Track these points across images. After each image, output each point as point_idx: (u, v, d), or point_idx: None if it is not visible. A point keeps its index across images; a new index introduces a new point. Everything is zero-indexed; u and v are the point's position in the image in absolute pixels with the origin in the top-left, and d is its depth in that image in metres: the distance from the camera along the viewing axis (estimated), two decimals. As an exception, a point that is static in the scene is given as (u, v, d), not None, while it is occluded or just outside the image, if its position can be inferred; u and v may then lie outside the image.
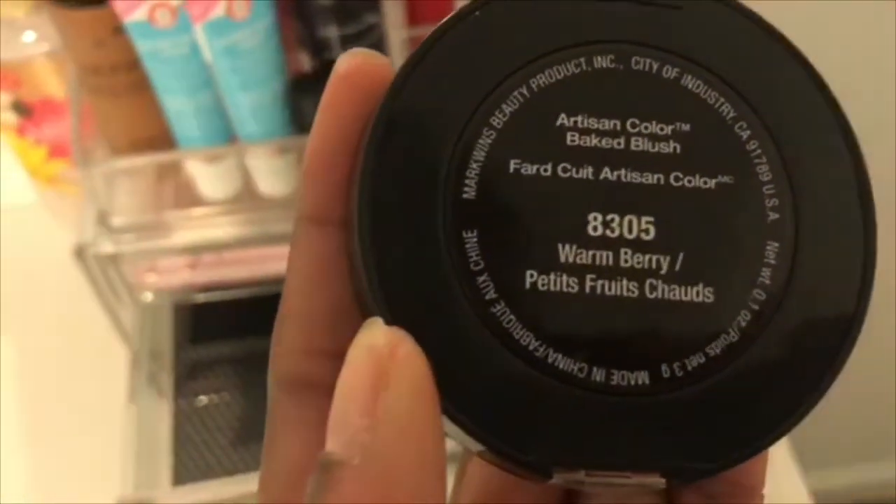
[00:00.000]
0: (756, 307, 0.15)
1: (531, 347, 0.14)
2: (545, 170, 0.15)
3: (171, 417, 0.51)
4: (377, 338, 0.13)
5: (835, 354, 0.15)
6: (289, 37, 0.45)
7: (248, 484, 0.47)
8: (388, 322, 0.14)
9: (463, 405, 0.14)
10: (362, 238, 0.14)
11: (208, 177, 0.47)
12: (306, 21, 0.44)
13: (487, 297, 0.15)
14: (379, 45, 0.46)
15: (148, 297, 0.51)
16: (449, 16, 0.16)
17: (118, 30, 0.42)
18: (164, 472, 0.49)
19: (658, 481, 0.14)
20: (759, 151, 0.16)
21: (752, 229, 0.15)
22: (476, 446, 0.14)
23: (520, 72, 0.15)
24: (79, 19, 0.43)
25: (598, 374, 0.15)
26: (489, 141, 0.15)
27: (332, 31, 0.44)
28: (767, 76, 0.16)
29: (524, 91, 0.15)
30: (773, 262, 0.15)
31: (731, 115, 0.16)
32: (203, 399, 0.52)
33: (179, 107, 0.45)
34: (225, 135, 0.46)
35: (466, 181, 0.15)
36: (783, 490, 0.54)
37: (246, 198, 0.48)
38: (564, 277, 0.15)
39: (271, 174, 0.47)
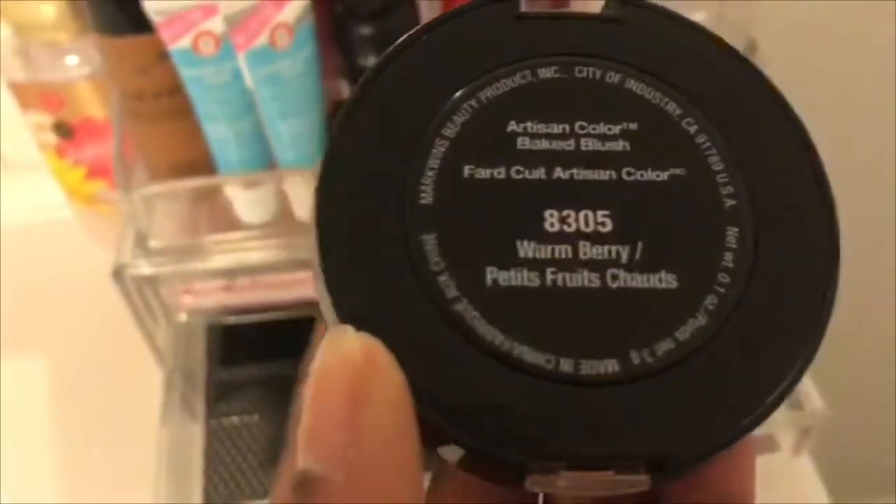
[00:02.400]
0: (722, 290, 0.15)
1: (496, 342, 0.14)
2: (499, 173, 0.15)
3: (202, 437, 0.52)
4: (351, 346, 0.13)
5: (811, 328, 0.15)
6: (329, 66, 0.46)
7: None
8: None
9: (434, 408, 0.14)
10: (322, 248, 0.15)
11: (246, 201, 0.47)
12: (346, 51, 0.45)
13: (449, 295, 0.15)
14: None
15: (182, 317, 0.52)
16: (399, 40, 0.16)
17: (161, 57, 0.43)
18: (195, 491, 0.49)
19: (641, 479, 0.14)
20: (708, 144, 0.16)
21: (711, 216, 0.15)
22: (448, 452, 0.14)
23: (468, 86, 0.16)
24: (124, 46, 0.44)
25: (566, 365, 0.14)
26: (442, 150, 0.16)
27: (371, 61, 0.45)
28: (708, 74, 0.17)
29: (473, 103, 0.16)
30: (734, 246, 0.15)
31: (677, 112, 0.16)
32: (234, 419, 0.53)
33: (220, 133, 0.45)
34: (264, 161, 0.47)
35: (423, 188, 0.15)
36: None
37: (282, 222, 0.48)
38: (525, 272, 0.15)
39: (308, 200, 0.47)
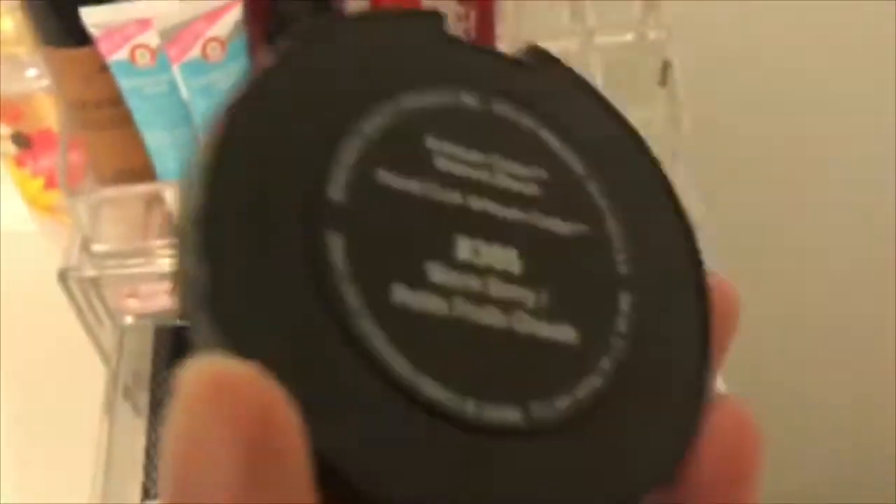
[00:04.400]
0: (616, 354, 0.15)
1: (398, 368, 0.13)
2: (414, 186, 0.14)
3: (145, 438, 0.53)
4: (240, 392, 0.10)
5: (689, 408, 0.15)
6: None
7: None
8: (239, 353, 0.11)
9: (327, 440, 0.12)
10: (196, 245, 0.12)
11: (185, 207, 0.49)
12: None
13: (352, 307, 0.13)
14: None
15: (128, 320, 0.54)
16: (316, 21, 0.16)
17: (103, 68, 0.46)
18: (133, 487, 0.51)
19: None
20: (606, 209, 0.16)
21: (607, 278, 0.15)
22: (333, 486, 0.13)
23: (389, 88, 0.15)
24: (68, 58, 0.46)
25: (470, 406, 0.13)
26: (356, 144, 0.14)
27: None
28: (607, 143, 0.17)
29: (393, 107, 0.15)
30: (627, 311, 0.15)
31: (582, 172, 0.16)
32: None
33: (159, 141, 0.47)
34: (201, 168, 0.49)
35: (332, 183, 0.14)
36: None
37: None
38: (434, 297, 0.14)
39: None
